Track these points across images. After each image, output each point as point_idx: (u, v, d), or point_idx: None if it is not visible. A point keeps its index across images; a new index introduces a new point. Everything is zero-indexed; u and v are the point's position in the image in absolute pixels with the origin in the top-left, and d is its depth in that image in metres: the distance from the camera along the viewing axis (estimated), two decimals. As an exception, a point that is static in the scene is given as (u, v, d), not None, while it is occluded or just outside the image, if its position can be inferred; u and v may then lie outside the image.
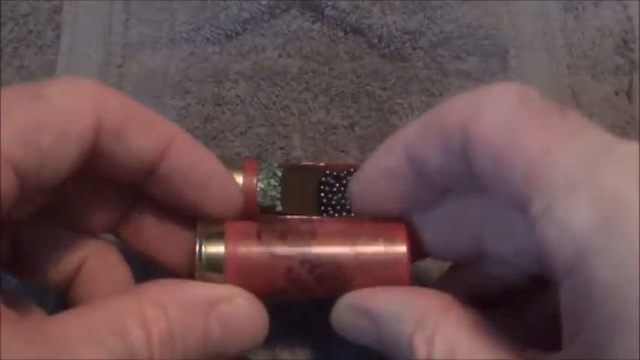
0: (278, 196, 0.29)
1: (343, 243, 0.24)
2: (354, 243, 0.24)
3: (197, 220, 0.24)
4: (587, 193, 0.17)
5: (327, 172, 0.30)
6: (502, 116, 0.18)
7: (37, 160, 0.20)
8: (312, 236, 0.24)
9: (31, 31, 0.34)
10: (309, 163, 0.31)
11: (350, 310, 0.24)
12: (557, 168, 0.17)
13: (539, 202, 0.17)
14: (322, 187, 0.30)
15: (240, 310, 0.23)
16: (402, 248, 0.24)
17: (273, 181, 0.30)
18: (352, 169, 0.30)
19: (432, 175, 0.21)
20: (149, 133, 0.22)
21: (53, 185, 0.21)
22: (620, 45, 0.35)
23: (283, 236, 0.24)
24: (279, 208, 0.29)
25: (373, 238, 0.24)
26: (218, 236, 0.24)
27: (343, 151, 0.32)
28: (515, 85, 0.19)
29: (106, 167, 0.22)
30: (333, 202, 0.30)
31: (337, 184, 0.30)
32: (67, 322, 0.20)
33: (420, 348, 0.21)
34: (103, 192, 0.24)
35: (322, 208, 0.30)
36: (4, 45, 0.34)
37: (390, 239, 0.24)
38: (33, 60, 0.34)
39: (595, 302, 0.16)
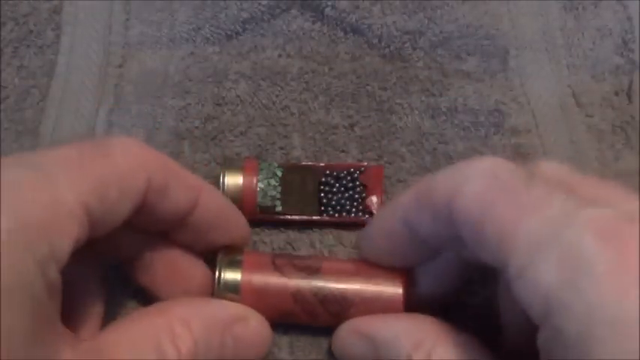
0: (278, 196, 0.29)
1: (348, 274, 0.27)
2: (358, 275, 0.27)
3: (219, 248, 0.27)
4: (553, 254, 0.19)
5: (327, 172, 0.30)
6: (478, 191, 0.21)
7: (102, 212, 0.22)
8: (321, 266, 0.27)
9: (31, 31, 0.34)
10: (309, 163, 0.31)
11: (351, 334, 0.26)
12: (525, 235, 0.20)
13: (512, 265, 0.20)
14: (322, 187, 0.30)
15: (251, 330, 0.26)
16: (399, 289, 0.27)
17: (273, 181, 0.30)
18: (352, 169, 0.30)
19: (425, 238, 0.24)
20: (185, 187, 0.25)
21: (106, 233, 0.23)
22: (620, 45, 0.35)
23: (294, 265, 0.27)
24: (279, 208, 0.29)
25: (375, 276, 0.27)
26: (236, 264, 0.27)
27: (343, 151, 0.32)
28: (491, 160, 0.22)
29: (148, 220, 0.25)
30: (333, 202, 0.30)
31: (337, 184, 0.30)
32: (115, 339, 0.23)
33: None
34: (125, 236, 0.26)
35: (322, 208, 0.30)
36: (4, 45, 0.34)
37: (390, 279, 0.27)
38: (33, 60, 0.34)
39: (562, 349, 0.19)
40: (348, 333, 0.26)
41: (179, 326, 0.23)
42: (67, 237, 0.21)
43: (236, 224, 0.28)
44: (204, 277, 0.27)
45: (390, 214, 0.26)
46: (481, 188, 0.21)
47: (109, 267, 0.27)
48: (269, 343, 0.27)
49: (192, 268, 0.27)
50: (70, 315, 0.23)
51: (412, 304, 0.27)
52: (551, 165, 0.23)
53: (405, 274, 0.27)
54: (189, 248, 0.27)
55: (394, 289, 0.27)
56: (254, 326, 0.26)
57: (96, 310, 0.26)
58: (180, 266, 0.27)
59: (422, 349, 0.24)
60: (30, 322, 0.19)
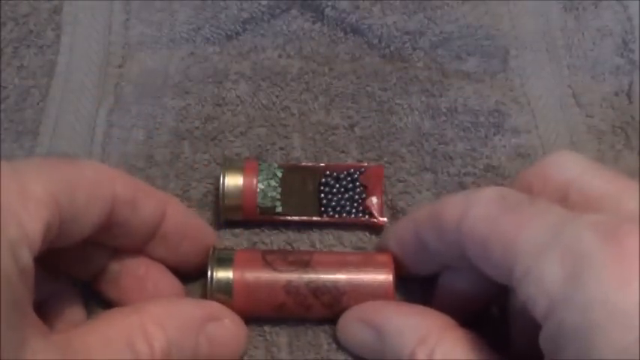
0: (278, 196, 0.29)
1: (338, 265, 0.27)
2: (347, 265, 0.27)
3: (212, 248, 0.28)
4: (555, 253, 0.20)
5: (327, 172, 0.30)
6: (484, 212, 0.23)
7: (71, 213, 0.23)
8: (311, 258, 0.28)
9: (31, 31, 0.34)
10: (309, 163, 0.31)
11: (356, 323, 0.27)
12: (527, 240, 0.21)
13: (518, 268, 0.21)
14: (322, 187, 0.30)
15: (225, 330, 0.26)
16: (389, 276, 0.27)
17: (273, 182, 0.30)
18: (352, 170, 0.30)
19: (433, 253, 0.26)
20: (152, 200, 0.26)
21: (74, 242, 0.24)
22: (620, 45, 0.35)
23: (285, 259, 0.27)
24: (279, 209, 0.29)
25: (364, 264, 0.27)
26: (227, 262, 0.27)
27: (343, 152, 0.32)
28: (498, 188, 0.24)
29: (119, 233, 0.26)
30: (333, 203, 0.30)
31: (337, 185, 0.30)
32: (88, 335, 0.23)
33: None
34: (91, 252, 0.27)
35: (322, 208, 0.30)
36: (4, 45, 0.34)
37: (379, 267, 0.27)
38: (33, 60, 0.34)
39: (565, 343, 0.19)
40: (355, 320, 0.27)
41: (152, 325, 0.24)
42: (37, 220, 0.21)
43: (204, 233, 0.29)
44: (174, 289, 0.28)
45: (405, 225, 0.27)
46: (487, 209, 0.23)
47: (81, 284, 0.28)
48: (244, 343, 0.27)
49: (162, 280, 0.28)
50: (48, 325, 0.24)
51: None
52: (564, 158, 0.24)
53: (392, 261, 0.28)
54: (161, 262, 0.28)
55: (384, 276, 0.27)
56: (228, 326, 0.26)
57: (73, 325, 0.26)
58: (149, 279, 0.27)
59: (426, 346, 0.24)
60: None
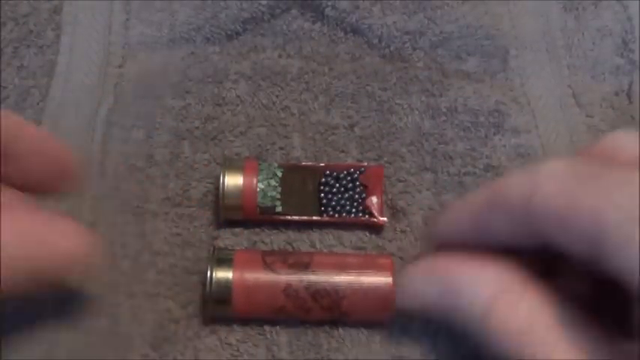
0: (278, 196, 0.29)
1: (338, 267, 0.27)
2: (348, 267, 0.27)
3: (211, 248, 0.28)
4: None
5: (327, 172, 0.30)
6: (558, 187, 0.22)
7: None
8: (311, 260, 0.27)
9: (31, 31, 0.34)
10: (309, 163, 0.31)
11: (420, 278, 0.25)
12: (620, 206, 0.20)
13: (611, 239, 0.20)
14: (322, 187, 0.30)
15: (38, 218, 0.23)
16: (389, 279, 0.27)
17: (273, 182, 0.30)
18: (352, 170, 0.30)
19: (499, 240, 0.24)
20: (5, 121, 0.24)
21: None
22: (620, 45, 0.35)
23: (285, 261, 0.27)
24: (279, 209, 0.29)
25: (364, 267, 0.27)
26: (227, 262, 0.27)
27: (343, 151, 0.32)
28: (564, 160, 0.23)
29: None
30: (333, 203, 0.30)
31: (337, 185, 0.30)
32: None
33: (501, 312, 0.22)
34: None
35: (322, 208, 0.30)
36: (4, 45, 0.34)
37: (380, 270, 0.27)
38: (33, 60, 0.34)
39: None
40: (418, 275, 0.26)
41: None
42: None
43: (58, 152, 0.27)
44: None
45: (458, 212, 0.26)
46: (561, 184, 0.22)
47: None
48: (80, 242, 0.24)
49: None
50: None
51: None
52: (627, 137, 0.24)
53: (392, 263, 0.28)
54: (13, 184, 0.26)
55: (385, 279, 0.27)
56: (65, 231, 0.24)
57: None
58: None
59: (507, 298, 0.23)
60: None
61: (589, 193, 0.21)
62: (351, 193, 0.30)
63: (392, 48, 0.34)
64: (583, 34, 0.35)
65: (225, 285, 0.27)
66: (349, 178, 0.30)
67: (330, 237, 0.30)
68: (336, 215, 0.30)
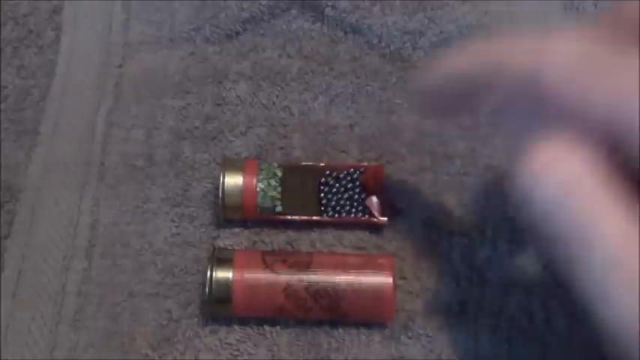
0: (278, 196, 0.29)
1: (338, 267, 0.27)
2: (347, 267, 0.27)
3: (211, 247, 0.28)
4: None
5: (327, 172, 0.30)
6: (570, 74, 0.20)
7: None
8: (311, 260, 0.28)
9: (31, 31, 0.35)
10: (309, 163, 0.31)
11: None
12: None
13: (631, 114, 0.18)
14: (322, 187, 0.30)
15: None
16: (389, 279, 0.27)
17: (273, 182, 0.30)
18: (352, 169, 0.30)
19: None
20: None
21: None
22: (620, 45, 0.35)
23: (284, 261, 0.27)
24: (279, 209, 0.29)
25: (364, 267, 0.27)
26: (227, 262, 0.27)
27: (343, 151, 0.32)
28: (576, 44, 0.20)
29: None
30: (333, 203, 0.30)
31: (337, 185, 0.30)
32: None
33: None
34: None
35: (322, 208, 0.30)
36: (4, 45, 0.34)
37: (379, 269, 0.27)
38: (33, 60, 0.34)
39: None
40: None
41: None
42: None
43: None
44: None
45: (453, 61, 0.25)
46: (573, 70, 0.20)
47: None
48: None
49: None
50: None
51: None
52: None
53: (393, 263, 0.28)
54: None
55: (385, 279, 0.27)
56: None
57: None
58: None
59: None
60: None
61: (605, 74, 0.19)
62: (351, 193, 0.30)
63: (392, 48, 0.34)
64: (583, 34, 0.35)
65: (225, 285, 0.27)
66: (349, 178, 0.30)
67: (330, 237, 0.30)
68: (336, 215, 0.30)
